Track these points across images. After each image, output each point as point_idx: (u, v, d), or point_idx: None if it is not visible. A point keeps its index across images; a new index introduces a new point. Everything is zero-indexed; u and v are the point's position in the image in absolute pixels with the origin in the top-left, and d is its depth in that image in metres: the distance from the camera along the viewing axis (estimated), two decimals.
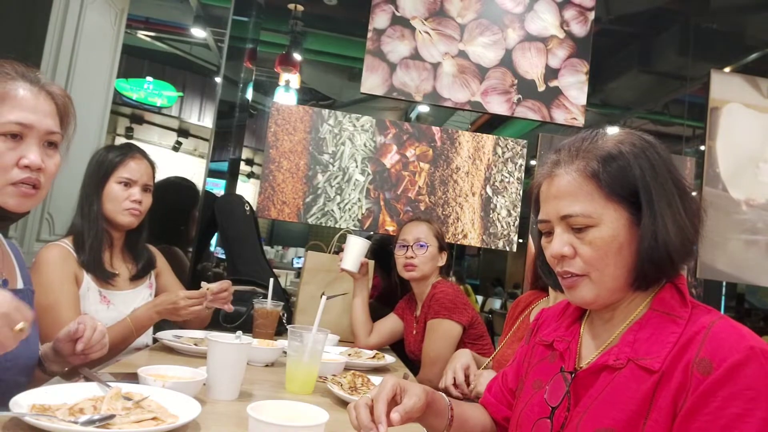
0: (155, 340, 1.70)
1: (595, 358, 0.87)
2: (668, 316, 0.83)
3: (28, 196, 1.01)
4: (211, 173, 2.86)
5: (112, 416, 0.88)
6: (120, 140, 7.62)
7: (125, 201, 1.64)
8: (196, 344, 1.57)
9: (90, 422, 0.86)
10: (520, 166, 2.63)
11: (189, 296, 1.59)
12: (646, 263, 0.83)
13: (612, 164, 0.85)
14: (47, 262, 1.53)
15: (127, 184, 1.65)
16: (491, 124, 5.66)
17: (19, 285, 1.13)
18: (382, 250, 2.60)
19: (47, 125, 1.03)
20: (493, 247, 2.59)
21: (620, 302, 0.89)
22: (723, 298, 3.73)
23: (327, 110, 2.59)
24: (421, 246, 1.99)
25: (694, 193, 0.88)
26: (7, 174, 0.99)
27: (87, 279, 1.59)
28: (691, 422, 0.74)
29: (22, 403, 0.89)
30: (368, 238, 2.35)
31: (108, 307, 1.62)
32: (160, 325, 1.74)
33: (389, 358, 1.78)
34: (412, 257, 1.98)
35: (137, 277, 1.72)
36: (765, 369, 0.73)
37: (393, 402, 0.85)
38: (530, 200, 0.97)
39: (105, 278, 1.62)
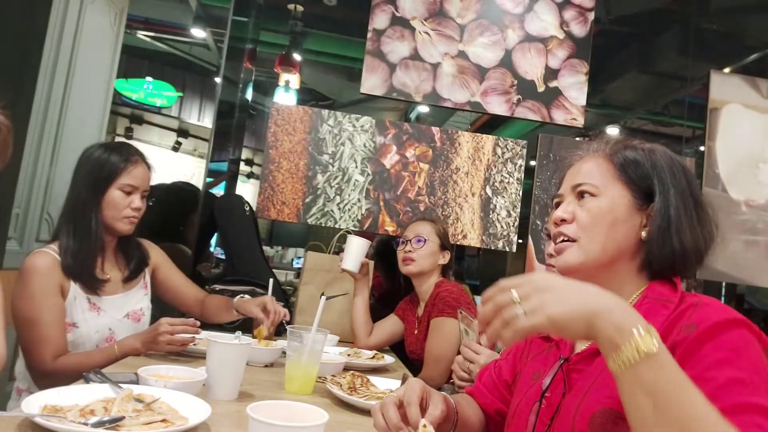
0: None
1: (587, 345, 0.89)
2: (659, 301, 0.85)
3: None
4: (211, 173, 2.86)
5: (121, 418, 0.88)
6: (120, 140, 7.61)
7: (126, 209, 1.59)
8: (195, 344, 1.57)
9: (99, 424, 0.86)
10: (520, 166, 2.63)
11: (171, 323, 1.49)
12: (654, 246, 0.86)
13: (631, 152, 0.92)
14: (32, 272, 1.48)
15: (129, 191, 1.60)
16: (491, 124, 5.66)
17: None
18: (385, 251, 2.60)
19: None
20: (492, 248, 2.59)
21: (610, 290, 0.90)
22: (723, 298, 3.73)
23: (327, 110, 2.59)
24: (419, 241, 2.01)
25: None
26: None
27: (74, 288, 1.54)
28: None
29: (34, 404, 0.89)
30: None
31: (98, 314, 1.58)
32: None
33: (388, 359, 1.78)
34: (410, 251, 2.01)
35: (130, 278, 1.68)
36: (747, 336, 0.74)
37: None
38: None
39: (94, 286, 1.57)
